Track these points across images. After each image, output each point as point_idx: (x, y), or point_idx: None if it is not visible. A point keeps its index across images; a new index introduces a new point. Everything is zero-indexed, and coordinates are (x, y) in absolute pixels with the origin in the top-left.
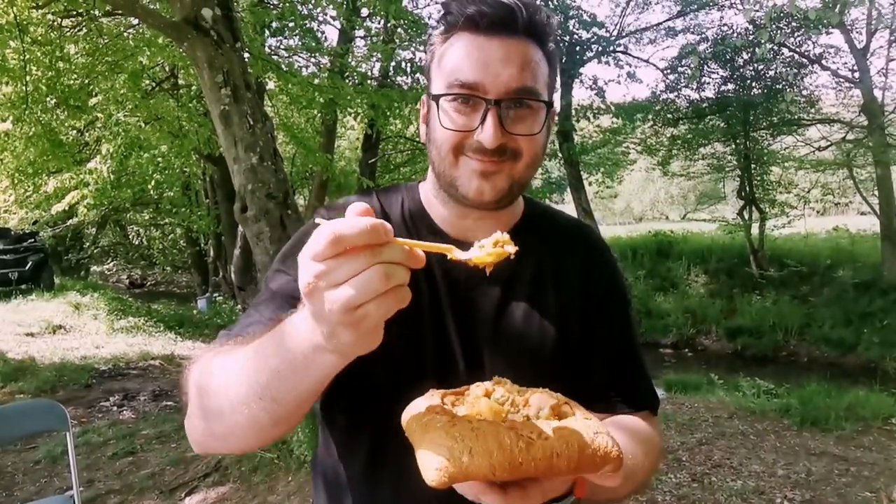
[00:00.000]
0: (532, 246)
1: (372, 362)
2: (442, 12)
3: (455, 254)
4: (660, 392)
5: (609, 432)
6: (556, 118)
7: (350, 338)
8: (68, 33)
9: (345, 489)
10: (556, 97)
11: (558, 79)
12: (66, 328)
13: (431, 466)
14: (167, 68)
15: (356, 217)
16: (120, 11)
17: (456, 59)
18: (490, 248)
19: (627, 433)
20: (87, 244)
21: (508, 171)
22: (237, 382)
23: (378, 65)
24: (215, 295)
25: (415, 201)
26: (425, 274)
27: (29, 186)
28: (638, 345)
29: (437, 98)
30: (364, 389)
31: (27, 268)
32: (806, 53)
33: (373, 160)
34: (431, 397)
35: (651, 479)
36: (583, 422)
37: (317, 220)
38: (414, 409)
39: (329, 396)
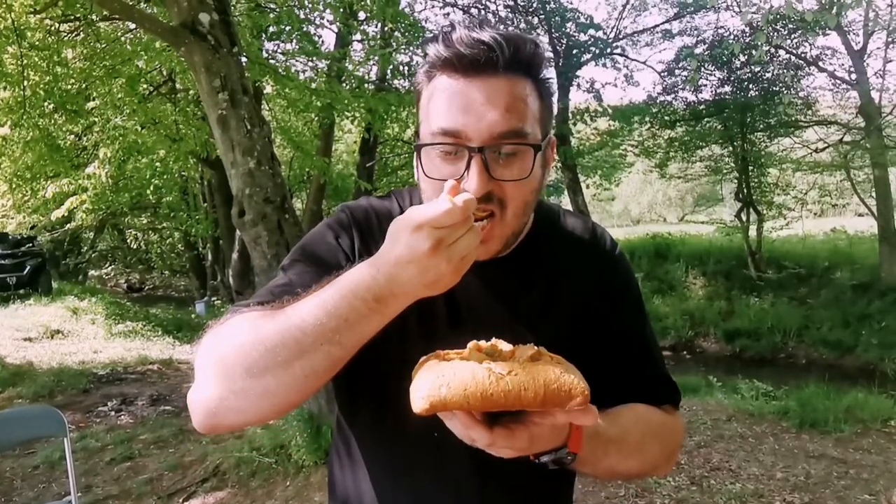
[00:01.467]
0: (546, 251)
1: (388, 360)
2: (423, 57)
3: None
4: None
5: (579, 375)
6: (555, 147)
7: (452, 276)
8: (66, 38)
9: (363, 484)
10: (554, 122)
11: (555, 106)
12: (65, 333)
13: (417, 396)
14: (165, 73)
15: (458, 197)
16: (117, 16)
17: (437, 104)
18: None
19: (634, 414)
20: (85, 248)
21: (499, 232)
22: (299, 334)
23: (375, 68)
24: (213, 299)
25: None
26: None
27: (27, 191)
28: (655, 342)
29: (418, 148)
30: (382, 389)
31: (25, 272)
32: (803, 55)
33: (370, 163)
34: (438, 353)
35: (665, 464)
36: (553, 363)
37: (341, 215)
38: (422, 359)
39: (348, 395)
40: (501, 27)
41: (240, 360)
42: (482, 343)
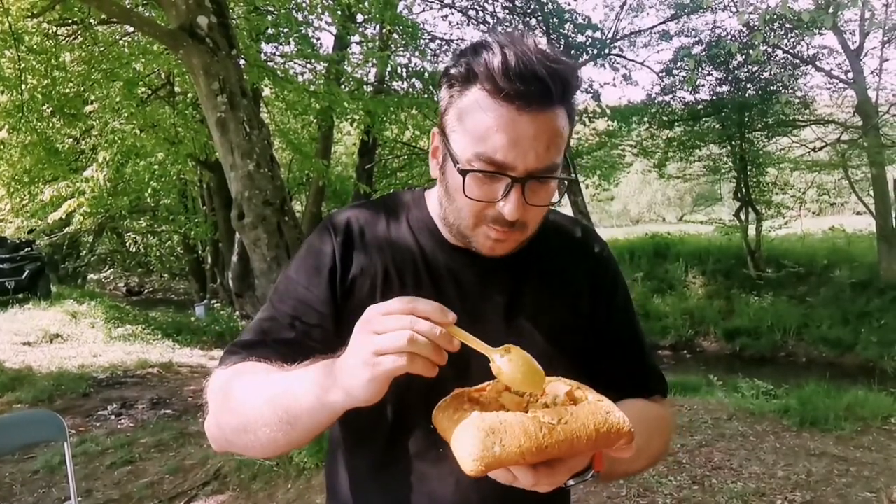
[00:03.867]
0: (540, 250)
1: None
2: (465, 66)
3: (496, 362)
4: None
5: (618, 409)
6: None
7: (361, 379)
8: (64, 42)
9: (362, 482)
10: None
11: (576, 112)
12: (64, 337)
13: (469, 457)
14: (163, 76)
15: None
16: (115, 20)
17: (483, 127)
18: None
19: (639, 413)
20: (84, 252)
21: (517, 238)
22: (260, 407)
23: (374, 70)
24: (213, 302)
25: (421, 211)
26: (433, 278)
27: (25, 195)
28: (643, 335)
29: (463, 173)
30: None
31: (24, 277)
32: (800, 55)
33: (369, 165)
34: (457, 395)
35: (664, 453)
36: (596, 404)
37: (322, 230)
38: (443, 405)
39: None
40: (546, 47)
41: (227, 419)
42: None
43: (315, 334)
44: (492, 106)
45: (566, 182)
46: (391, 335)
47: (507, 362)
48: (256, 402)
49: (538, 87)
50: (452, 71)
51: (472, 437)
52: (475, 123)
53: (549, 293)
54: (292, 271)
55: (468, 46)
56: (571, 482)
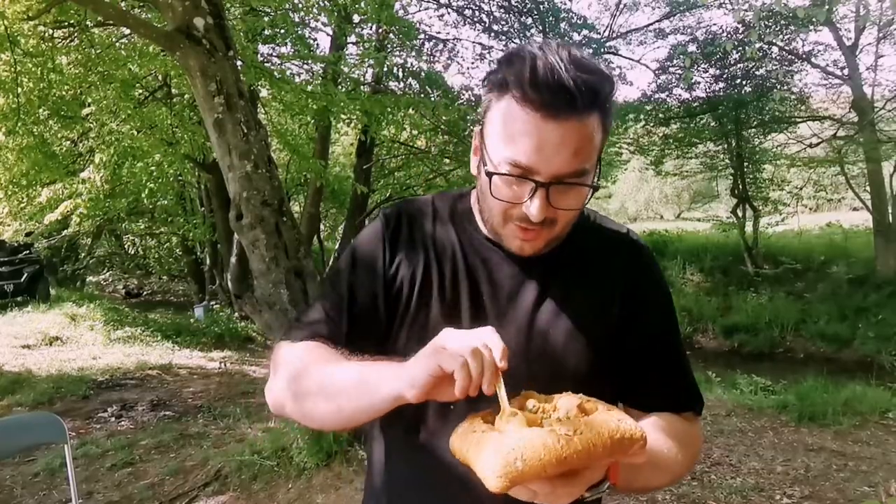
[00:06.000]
0: (576, 251)
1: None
2: (501, 74)
3: (501, 418)
4: None
5: (629, 417)
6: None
7: (420, 370)
8: (60, 44)
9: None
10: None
11: (612, 120)
12: (63, 339)
13: (493, 476)
14: (160, 77)
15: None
16: (112, 22)
17: (512, 132)
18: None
19: (661, 431)
20: (83, 255)
21: (546, 235)
22: (328, 397)
23: (370, 70)
24: (212, 303)
25: (465, 208)
26: (469, 272)
27: (23, 198)
28: (681, 346)
29: (490, 175)
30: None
31: (23, 280)
32: (795, 51)
33: (367, 166)
34: (471, 420)
35: (687, 471)
36: (607, 413)
37: (377, 221)
38: (460, 431)
39: None
40: (581, 57)
41: (291, 387)
42: (518, 399)
43: (368, 314)
44: (519, 113)
45: (592, 188)
46: (458, 346)
47: (505, 424)
48: (320, 381)
49: (564, 96)
50: (491, 77)
51: (494, 455)
52: (505, 128)
53: (580, 294)
54: (347, 258)
55: (507, 53)
56: (588, 494)
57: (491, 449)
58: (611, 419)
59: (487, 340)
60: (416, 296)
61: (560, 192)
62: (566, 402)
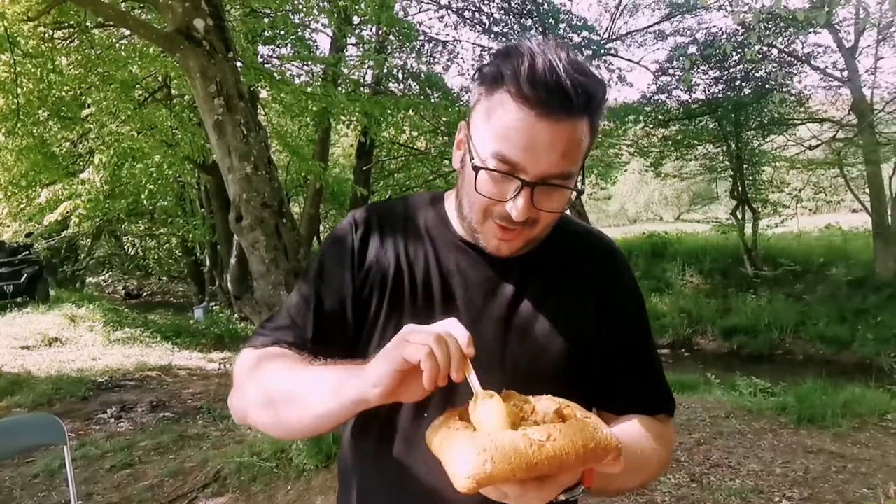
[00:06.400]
0: (552, 255)
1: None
2: (496, 67)
3: (475, 402)
4: None
5: (606, 426)
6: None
7: (383, 369)
8: (60, 45)
9: (355, 474)
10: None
11: (600, 126)
12: (63, 340)
13: (461, 475)
14: (160, 78)
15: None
16: (111, 23)
17: (502, 128)
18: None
19: (637, 432)
20: (83, 256)
21: (525, 236)
22: (290, 404)
23: (370, 72)
24: (212, 304)
25: (438, 210)
26: (442, 274)
27: (22, 199)
28: (653, 349)
29: (476, 169)
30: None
31: (22, 280)
32: (795, 53)
33: (367, 167)
34: (449, 415)
35: (662, 470)
36: (583, 421)
37: (344, 222)
38: (436, 425)
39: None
40: (577, 59)
41: (251, 396)
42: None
43: (336, 319)
44: (513, 109)
45: (574, 193)
46: (421, 337)
47: (480, 406)
48: (281, 388)
49: (560, 96)
50: (485, 70)
51: (464, 456)
52: (496, 123)
53: (556, 296)
54: (318, 260)
55: (502, 48)
56: (562, 497)
57: (462, 448)
58: (586, 427)
59: (451, 329)
60: (387, 299)
61: (544, 193)
62: (544, 405)
